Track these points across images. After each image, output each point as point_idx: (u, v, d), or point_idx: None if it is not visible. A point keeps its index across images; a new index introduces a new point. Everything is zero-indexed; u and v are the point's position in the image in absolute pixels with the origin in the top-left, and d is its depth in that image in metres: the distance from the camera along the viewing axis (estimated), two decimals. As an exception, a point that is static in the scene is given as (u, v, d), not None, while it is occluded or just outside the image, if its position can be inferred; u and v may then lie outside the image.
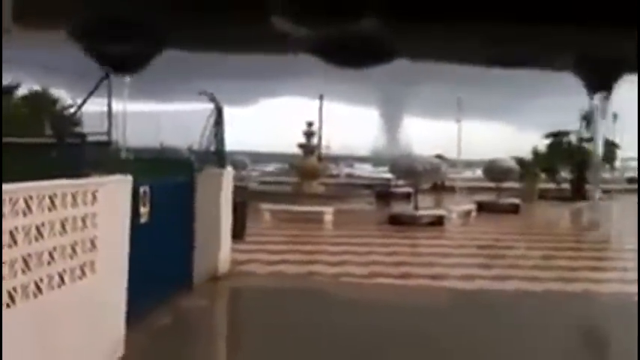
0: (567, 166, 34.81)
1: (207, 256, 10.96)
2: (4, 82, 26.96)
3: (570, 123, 35.81)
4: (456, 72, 48.06)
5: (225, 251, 11.80)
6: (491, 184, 27.58)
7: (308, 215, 20.17)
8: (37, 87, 27.74)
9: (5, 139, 7.67)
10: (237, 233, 13.21)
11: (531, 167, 32.60)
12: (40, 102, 25.71)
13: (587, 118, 35.39)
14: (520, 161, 31.27)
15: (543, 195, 31.56)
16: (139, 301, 7.49)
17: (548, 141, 35.82)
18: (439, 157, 26.53)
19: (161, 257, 8.95)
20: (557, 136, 35.86)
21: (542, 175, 33.83)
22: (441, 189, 26.49)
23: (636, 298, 10.22)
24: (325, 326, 8.75)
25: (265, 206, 20.32)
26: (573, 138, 35.85)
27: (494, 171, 27.21)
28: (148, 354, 7.37)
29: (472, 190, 28.40)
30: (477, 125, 43.36)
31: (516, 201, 25.95)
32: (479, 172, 29.63)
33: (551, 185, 33.89)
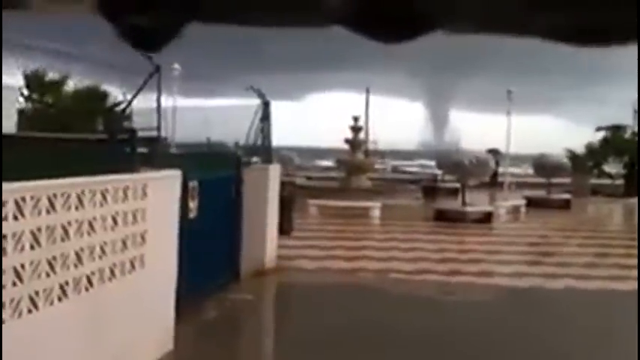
0: (620, 161, 33.90)
1: (254, 250, 11.04)
2: (56, 76, 27.45)
3: (626, 117, 34.86)
4: (506, 63, 47.35)
5: (272, 246, 11.86)
6: (542, 180, 27.08)
7: (355, 210, 20.13)
8: (88, 81, 28.11)
9: (59, 135, 7.84)
10: (284, 228, 13.23)
11: (583, 162, 31.86)
12: (92, 97, 26.13)
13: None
14: (572, 156, 30.61)
15: (595, 190, 30.81)
16: (188, 294, 7.59)
17: (600, 135, 34.98)
18: (494, 151, 26.06)
19: (209, 251, 9.06)
20: (610, 130, 34.96)
21: (595, 170, 33.05)
22: (490, 184, 26.06)
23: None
24: (372, 322, 8.73)
25: (312, 201, 20.35)
26: (628, 132, 34.90)
27: (543, 166, 26.71)
28: (196, 346, 7.46)
29: (522, 186, 27.89)
30: (528, 119, 42.58)
31: (567, 196, 25.43)
32: (530, 168, 29.07)
33: (604, 181, 33.07)
